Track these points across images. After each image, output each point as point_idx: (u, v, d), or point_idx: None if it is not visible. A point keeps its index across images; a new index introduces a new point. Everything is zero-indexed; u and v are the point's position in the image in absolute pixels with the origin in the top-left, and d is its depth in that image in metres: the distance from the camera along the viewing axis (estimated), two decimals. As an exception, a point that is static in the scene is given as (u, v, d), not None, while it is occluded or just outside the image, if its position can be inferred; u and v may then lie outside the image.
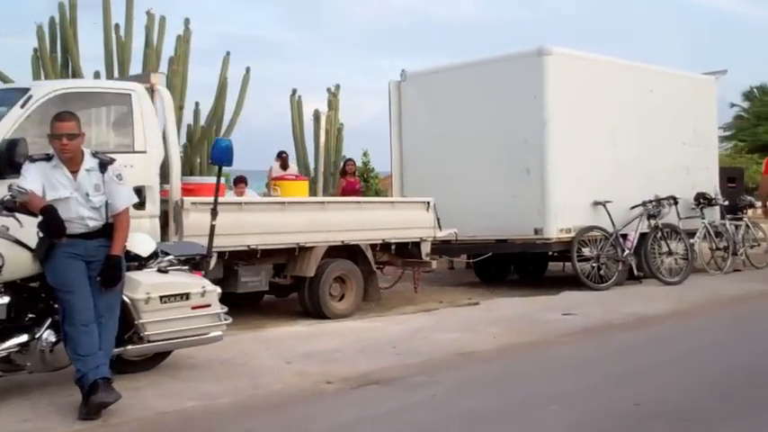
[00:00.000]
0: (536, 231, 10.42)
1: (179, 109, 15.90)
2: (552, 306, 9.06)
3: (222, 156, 5.90)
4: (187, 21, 16.19)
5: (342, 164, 15.10)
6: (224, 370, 5.85)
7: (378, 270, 10.06)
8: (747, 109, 40.23)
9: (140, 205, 6.89)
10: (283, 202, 8.25)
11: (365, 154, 20.20)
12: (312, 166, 17.68)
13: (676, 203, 11.86)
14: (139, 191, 6.91)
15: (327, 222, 8.25)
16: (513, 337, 7.24)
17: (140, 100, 7.07)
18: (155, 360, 5.80)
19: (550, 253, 11.09)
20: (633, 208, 11.26)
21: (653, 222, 11.21)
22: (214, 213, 5.96)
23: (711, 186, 12.82)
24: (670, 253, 11.29)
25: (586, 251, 10.68)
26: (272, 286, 8.44)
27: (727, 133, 39.72)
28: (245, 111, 16.94)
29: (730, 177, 14.32)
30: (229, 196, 10.92)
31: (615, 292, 10.38)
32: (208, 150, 16.60)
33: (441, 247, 11.14)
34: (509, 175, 10.69)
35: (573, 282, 10.70)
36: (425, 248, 9.24)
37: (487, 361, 6.31)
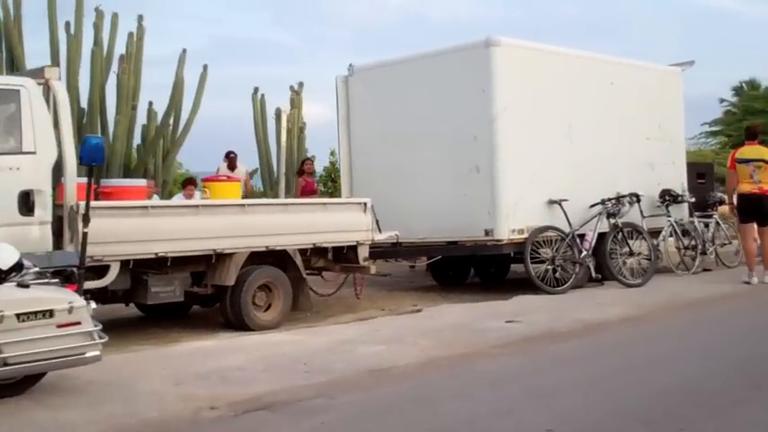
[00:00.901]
0: (486, 232, 9.85)
1: (131, 108, 15.43)
2: (499, 312, 8.49)
3: (93, 154, 5.32)
4: (140, 18, 15.60)
5: (299, 163, 14.54)
6: (103, 394, 5.26)
7: (320, 276, 9.54)
8: (735, 103, 39.70)
9: (28, 211, 6.33)
10: (197, 205, 7.66)
11: (332, 153, 19.63)
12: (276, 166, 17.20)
13: (639, 201, 11.30)
14: (27, 195, 6.35)
15: (249, 226, 7.66)
16: (442, 349, 6.67)
17: (31, 96, 6.48)
18: (26, 383, 5.22)
19: (512, 254, 10.53)
20: (592, 207, 10.70)
21: (612, 221, 10.64)
22: (86, 220, 5.37)
23: (678, 183, 12.26)
24: (631, 253, 10.72)
25: (545, 253, 10.11)
26: (194, 296, 7.87)
27: (714, 128, 39.25)
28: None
29: (700, 173, 13.75)
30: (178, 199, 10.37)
31: (571, 295, 9.81)
32: (164, 151, 16.15)
33: (391, 250, 10.62)
34: (458, 173, 10.12)
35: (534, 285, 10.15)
36: (363, 253, 8.65)
37: (401, 379, 5.73)
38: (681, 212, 12.36)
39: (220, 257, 7.49)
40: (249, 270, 7.73)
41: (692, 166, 13.16)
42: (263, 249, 7.79)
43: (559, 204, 10.27)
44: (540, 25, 72.64)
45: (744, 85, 39.66)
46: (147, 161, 15.51)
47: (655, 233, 11.65)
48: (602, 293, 9.94)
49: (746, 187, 10.66)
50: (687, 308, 8.99)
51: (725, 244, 12.75)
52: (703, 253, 12.26)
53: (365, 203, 8.70)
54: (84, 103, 14.49)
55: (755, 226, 10.86)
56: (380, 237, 9.06)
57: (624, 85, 11.54)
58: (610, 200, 10.66)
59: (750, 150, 10.75)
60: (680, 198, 11.94)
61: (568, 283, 10.08)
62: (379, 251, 10.45)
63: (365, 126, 11.06)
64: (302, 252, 8.19)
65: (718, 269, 12.34)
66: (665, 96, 12.30)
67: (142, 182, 9.29)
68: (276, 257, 7.98)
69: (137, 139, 15.86)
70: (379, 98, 10.93)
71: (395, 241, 10.57)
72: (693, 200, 12.23)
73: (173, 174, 16.83)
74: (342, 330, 7.55)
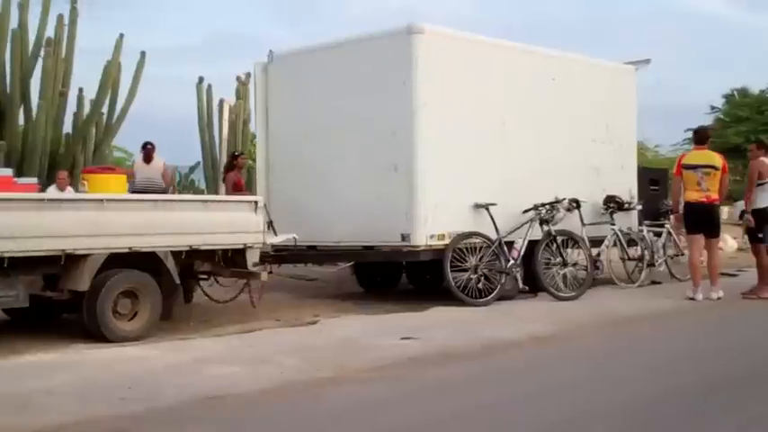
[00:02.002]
0: (403, 237, 8.97)
1: (60, 95, 14.54)
2: (400, 327, 7.61)
3: None
4: (74, 0, 14.70)
5: (229, 157, 13.62)
6: None
7: (215, 281, 8.66)
8: (723, 110, 38.87)
9: None
10: (42, 199, 6.77)
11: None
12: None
13: (578, 207, 10.44)
14: None
15: (108, 224, 6.76)
16: (306, 371, 5.80)
17: None
18: None
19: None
20: (526, 212, 9.83)
21: (546, 229, 9.77)
22: None
23: (627, 189, 11.40)
24: (565, 264, 9.85)
25: (469, 261, 9.24)
26: (50, 301, 6.98)
27: (697, 135, 38.47)
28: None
29: (653, 179, 12.89)
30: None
31: (492, 308, 8.94)
32: (97, 139, 15.26)
33: (307, 254, 9.78)
34: (376, 172, 9.25)
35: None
36: (252, 257, 7.75)
37: (231, 409, 4.85)
38: (629, 221, 11.52)
39: (71, 259, 6.59)
40: (108, 274, 6.83)
41: (644, 172, 12.30)
42: (126, 251, 6.89)
43: (486, 209, 9.40)
44: (540, 28, 71.74)
45: (735, 93, 38.85)
46: (74, 150, 14.65)
47: (598, 242, 10.82)
48: (527, 307, 9.07)
49: (693, 195, 9.80)
50: (615, 326, 8.14)
51: (677, 255, 11.90)
52: (651, 265, 11.42)
53: (256, 202, 7.80)
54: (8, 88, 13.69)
55: (702, 238, 10.03)
56: (275, 239, 8.19)
57: (568, 82, 10.68)
58: (543, 205, 9.79)
59: (698, 155, 9.89)
60: (626, 205, 11.08)
61: (492, 295, 9.21)
62: (287, 255, 9.64)
63: (284, 118, 10.17)
64: (177, 255, 7.29)
65: (669, 282, 11.49)
66: (615, 96, 11.43)
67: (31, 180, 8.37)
68: (144, 261, 7.08)
69: (67, 128, 15.11)
70: (299, 88, 10.04)
71: (311, 244, 9.79)
72: (641, 207, 11.37)
73: (106, 163, 15.91)
74: (207, 346, 6.66)
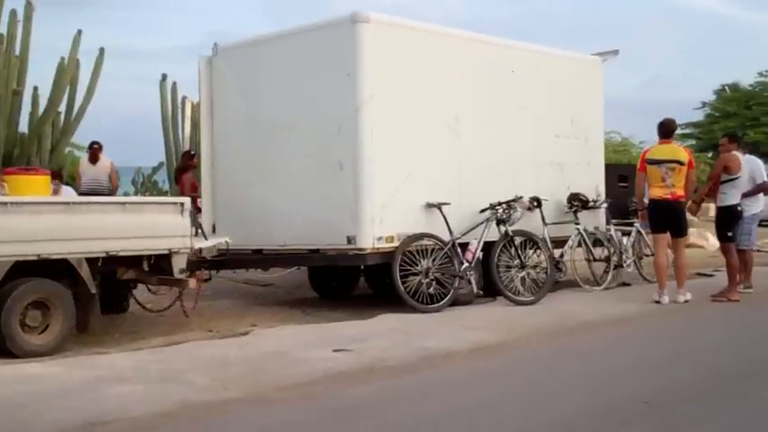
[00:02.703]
0: (349, 240, 8.45)
1: (13, 94, 14.00)
2: (337, 337, 7.10)
3: None
4: (29, -4, 14.16)
5: (182, 157, 13.08)
6: None
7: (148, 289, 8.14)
8: (712, 104, 38.34)
9: None
10: (-66, 204, 6.25)
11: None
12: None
13: (539, 206, 9.95)
14: None
15: (14, 230, 6.24)
16: (211, 392, 5.29)
17: None
18: None
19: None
20: (483, 212, 9.33)
21: (503, 229, 9.27)
22: None
23: (593, 186, 10.90)
24: (523, 266, 9.35)
25: (421, 264, 8.73)
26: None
27: (685, 131, 37.98)
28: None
29: (622, 176, 12.39)
30: None
31: (444, 315, 8.43)
32: (54, 139, 14.74)
33: (250, 258, 9.28)
34: (321, 170, 8.73)
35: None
36: (178, 263, 7.23)
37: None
38: (596, 220, 11.02)
39: (-32, 268, 6.07)
40: (15, 284, 6.31)
41: (613, 168, 11.78)
42: (34, 258, 6.37)
43: (439, 208, 8.89)
44: (538, 26, 71.55)
45: (726, 88, 38.32)
46: (30, 151, 14.14)
47: (563, 243, 10.33)
48: (480, 313, 8.56)
49: (657, 192, 9.31)
50: (568, 333, 7.64)
51: (647, 255, 11.40)
52: (619, 266, 10.93)
53: (182, 204, 7.27)
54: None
55: (668, 237, 9.55)
56: (205, 244, 7.68)
57: (529, 75, 10.17)
58: (500, 204, 9.29)
59: (663, 150, 9.39)
60: (591, 203, 10.59)
61: (445, 300, 8.70)
62: (229, 260, 9.13)
63: (229, 114, 9.64)
64: (93, 262, 6.77)
65: (640, 284, 10.99)
66: (580, 89, 10.92)
67: None
68: (58, 269, 6.56)
69: (22, 126, 14.58)
70: (244, 82, 9.51)
71: (257, 248, 9.29)
72: (606, 205, 10.88)
73: (65, 163, 15.38)
74: (115, 362, 6.12)
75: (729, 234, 9.64)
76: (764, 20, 76.32)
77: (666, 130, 9.45)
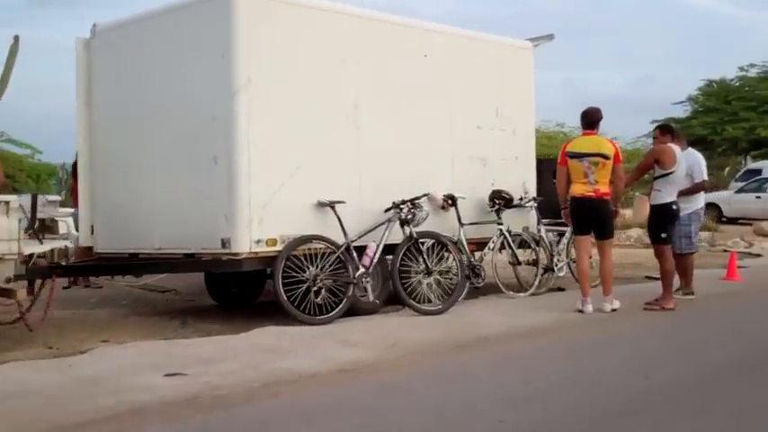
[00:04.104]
0: (223, 243, 7.48)
1: None
2: (187, 357, 6.14)
3: None
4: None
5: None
6: None
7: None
8: (694, 99, 37.37)
9: None
10: None
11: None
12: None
13: (455, 204, 9.00)
14: None
15: None
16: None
17: None
18: None
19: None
20: (387, 211, 8.37)
21: (407, 231, 8.30)
22: None
23: (521, 183, 9.95)
24: (428, 271, 8.39)
25: (312, 270, 7.76)
26: None
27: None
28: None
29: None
30: None
31: (330, 328, 7.41)
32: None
33: (123, 264, 8.32)
34: (195, 165, 7.76)
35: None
36: (4, 271, 6.25)
37: None
38: (526, 219, 10.08)
39: None
40: None
41: (548, 163, 10.78)
42: None
43: (332, 207, 7.93)
44: (534, 24, 70.67)
45: (714, 83, 37.30)
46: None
47: (481, 244, 9.40)
48: (370, 325, 7.59)
49: (580, 189, 8.36)
50: (460, 350, 6.66)
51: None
52: (550, 269, 9.99)
53: (7, 203, 6.28)
54: None
55: (592, 238, 8.61)
56: (39, 248, 6.69)
57: (446, 60, 9.22)
58: (404, 203, 8.33)
59: (586, 142, 8.44)
60: (516, 201, 9.63)
61: (336, 311, 7.74)
62: (90, 266, 8.19)
63: (106, 103, 8.66)
64: None
65: (575, 289, 10.00)
66: (508, 76, 9.98)
67: None
68: None
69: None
70: (121, 67, 8.53)
71: (134, 252, 8.33)
72: (533, 203, 9.92)
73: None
74: None
75: (663, 235, 8.70)
76: (756, 17, 75.44)
77: (590, 119, 8.49)
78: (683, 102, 37.08)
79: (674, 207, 8.62)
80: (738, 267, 13.24)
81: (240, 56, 7.43)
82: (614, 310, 8.41)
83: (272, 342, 6.75)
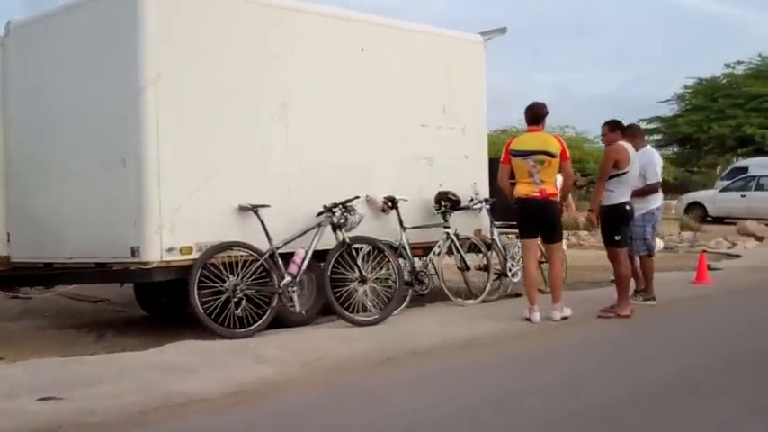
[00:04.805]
0: (133, 252, 6.91)
1: None
2: (71, 377, 5.57)
3: None
4: None
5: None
6: None
7: None
8: (681, 96, 36.86)
9: None
10: None
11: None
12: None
13: (395, 207, 8.45)
14: None
15: None
16: None
17: None
18: None
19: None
20: (320, 215, 7.81)
21: (339, 236, 7.74)
22: None
23: (471, 183, 9.38)
24: (363, 279, 7.82)
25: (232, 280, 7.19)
26: None
27: (651, 126, 36.58)
28: None
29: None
30: None
31: (251, 342, 6.82)
32: None
33: (36, 274, 7.77)
34: (105, 168, 7.18)
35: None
36: None
37: None
38: (478, 222, 9.52)
39: None
40: None
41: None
42: None
43: (255, 212, 7.36)
44: (523, 25, 70.26)
45: (704, 82, 36.73)
46: None
47: (427, 248, 8.84)
48: (293, 338, 6.99)
49: (525, 189, 7.81)
50: (381, 366, 6.09)
51: (542, 262, 9.88)
52: (503, 275, 9.43)
53: None
54: None
55: (539, 242, 8.07)
56: None
57: (386, 55, 8.67)
58: (336, 206, 7.77)
59: (530, 139, 7.88)
60: (464, 203, 9.07)
61: (258, 323, 7.17)
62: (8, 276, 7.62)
63: (23, 103, 8.08)
64: None
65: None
66: (456, 72, 9.42)
67: None
68: None
69: None
70: (36, 65, 7.94)
71: (48, 261, 7.79)
72: (485, 205, 9.35)
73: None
74: None
75: (617, 238, 8.15)
76: (748, 16, 75.07)
77: (535, 115, 7.93)
78: (669, 100, 36.62)
79: (628, 208, 8.07)
80: (713, 269, 12.79)
81: (148, 50, 6.86)
82: (565, 317, 7.87)
83: (179, 359, 6.18)
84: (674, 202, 26.55)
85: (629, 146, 8.20)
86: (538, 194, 7.71)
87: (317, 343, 6.82)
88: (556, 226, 7.92)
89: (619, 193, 8.08)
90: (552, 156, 7.71)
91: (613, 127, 8.25)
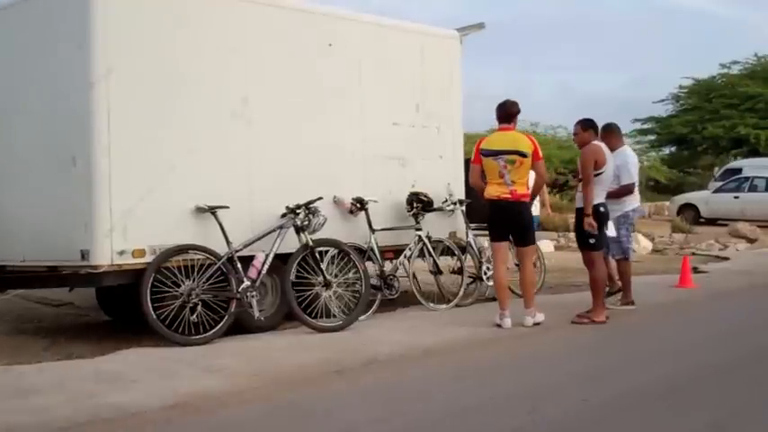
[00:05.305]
0: (83, 255, 6.62)
1: None
2: (3, 390, 5.28)
3: None
4: None
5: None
6: None
7: None
8: (676, 96, 36.52)
9: None
10: None
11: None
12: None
13: (364, 208, 8.16)
14: None
15: None
16: None
17: None
18: None
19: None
20: (283, 216, 7.53)
21: (302, 238, 7.45)
22: None
23: (444, 184, 9.09)
24: (326, 284, 7.53)
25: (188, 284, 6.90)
26: None
27: (646, 126, 36.28)
28: None
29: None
30: None
31: (205, 349, 6.55)
32: None
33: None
34: (56, 167, 6.88)
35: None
36: None
37: None
38: (453, 224, 9.24)
39: None
40: None
41: (479, 163, 9.89)
42: None
43: (213, 213, 7.07)
44: (523, 25, 69.90)
45: (700, 82, 36.34)
46: None
47: (397, 251, 8.56)
48: (249, 346, 6.70)
49: (495, 191, 7.52)
50: (339, 377, 5.80)
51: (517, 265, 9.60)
52: (478, 278, 9.15)
53: None
54: None
55: (509, 246, 7.79)
56: None
57: (355, 50, 8.38)
58: (299, 207, 7.48)
59: (501, 138, 7.59)
60: (437, 204, 8.78)
61: (215, 329, 6.87)
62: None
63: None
64: None
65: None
66: (430, 69, 9.13)
67: None
68: None
69: None
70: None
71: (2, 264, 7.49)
72: (459, 207, 9.06)
73: None
74: None
75: (591, 241, 7.86)
76: (748, 16, 74.73)
77: (506, 113, 7.64)
78: (664, 100, 36.28)
79: (602, 209, 7.78)
80: (699, 273, 12.53)
81: (98, 43, 6.56)
82: (537, 324, 7.59)
83: (123, 368, 5.90)
84: (667, 204, 26.26)
85: (603, 145, 7.93)
86: (509, 195, 7.42)
87: (273, 351, 6.55)
88: (527, 229, 7.64)
89: (593, 195, 7.79)
90: (524, 155, 7.42)
91: (586, 126, 7.96)
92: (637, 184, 8.63)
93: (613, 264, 8.65)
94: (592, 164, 7.76)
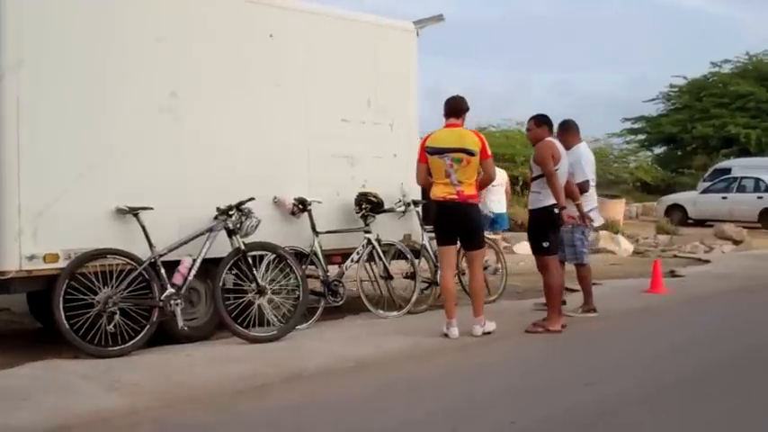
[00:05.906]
0: (-9, 260, 6.13)
1: None
2: None
3: None
4: None
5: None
6: None
7: None
8: (666, 95, 36.02)
9: None
10: None
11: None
12: None
13: (306, 210, 7.69)
14: None
15: None
16: None
17: None
18: None
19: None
20: (215, 218, 7.04)
21: (235, 242, 6.97)
22: None
23: (398, 184, 8.61)
24: (260, 290, 7.04)
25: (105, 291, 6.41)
26: None
27: (636, 126, 35.80)
28: None
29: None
30: None
31: (115, 363, 6.05)
32: None
33: None
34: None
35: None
36: None
37: None
38: (408, 226, 8.76)
39: None
40: None
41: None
42: None
43: (135, 215, 6.59)
44: (524, 25, 69.32)
45: (691, 81, 35.85)
46: None
47: (345, 254, 8.09)
48: (165, 359, 6.20)
49: (441, 191, 7.05)
50: (256, 393, 5.32)
51: (487, 267, 9.11)
52: (433, 283, 8.67)
53: None
54: None
55: (456, 249, 7.32)
56: None
57: (299, 42, 7.89)
58: (232, 208, 7.00)
59: (447, 135, 7.11)
60: (388, 206, 8.30)
61: (135, 340, 6.39)
62: None
63: None
64: None
65: (467, 303, 8.69)
66: (384, 63, 8.64)
67: None
68: None
69: None
70: None
71: None
72: (413, 208, 8.59)
73: None
74: None
75: (545, 244, 7.38)
76: (745, 16, 74.12)
77: (453, 108, 7.17)
78: (654, 99, 35.80)
79: (556, 211, 7.30)
80: (675, 276, 12.07)
81: (8, 32, 6.08)
82: (488, 333, 7.12)
83: (21, 384, 5.42)
84: (654, 204, 25.77)
85: (557, 142, 7.46)
86: (455, 196, 6.95)
87: (194, 365, 6.05)
88: (476, 231, 7.16)
89: (545, 195, 7.33)
90: (471, 154, 6.95)
91: (540, 122, 7.48)
92: (593, 182, 8.14)
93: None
94: (550, 158, 7.28)
